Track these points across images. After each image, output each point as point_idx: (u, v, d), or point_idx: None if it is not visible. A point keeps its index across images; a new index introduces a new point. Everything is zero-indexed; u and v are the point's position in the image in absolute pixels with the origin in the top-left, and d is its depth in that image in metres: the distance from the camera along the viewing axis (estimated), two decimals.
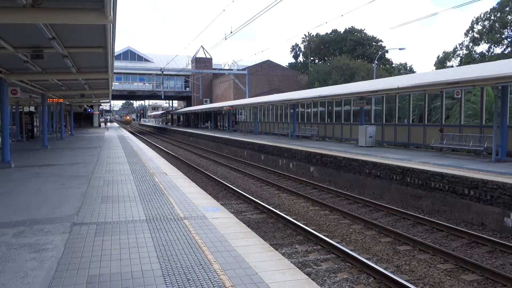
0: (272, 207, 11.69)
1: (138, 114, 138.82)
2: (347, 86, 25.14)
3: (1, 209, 7.53)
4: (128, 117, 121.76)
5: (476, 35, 46.11)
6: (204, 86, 65.56)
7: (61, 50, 10.45)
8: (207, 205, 7.88)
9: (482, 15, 45.45)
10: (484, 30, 45.11)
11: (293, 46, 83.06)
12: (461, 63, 46.06)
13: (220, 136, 32.82)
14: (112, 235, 5.93)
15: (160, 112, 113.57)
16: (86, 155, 17.47)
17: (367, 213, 11.36)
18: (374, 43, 67.85)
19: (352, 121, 23.37)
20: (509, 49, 43.59)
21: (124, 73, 62.34)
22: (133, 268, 4.65)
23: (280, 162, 20.72)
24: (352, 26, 71.90)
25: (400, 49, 43.79)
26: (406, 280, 6.55)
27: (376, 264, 7.16)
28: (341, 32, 72.64)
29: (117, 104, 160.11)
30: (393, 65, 66.83)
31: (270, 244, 6.87)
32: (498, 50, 44.98)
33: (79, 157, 16.97)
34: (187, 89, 69.59)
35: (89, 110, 54.36)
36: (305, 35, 77.02)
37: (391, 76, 42.77)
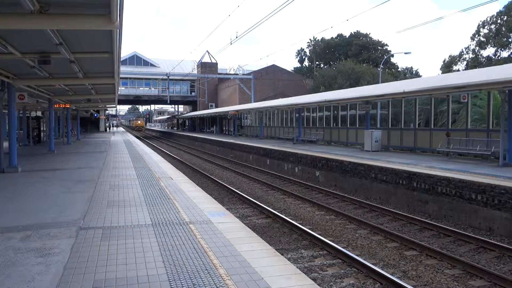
0: (277, 211, 11.66)
1: (144, 118, 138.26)
2: (352, 91, 25.09)
3: (8, 213, 7.58)
4: (139, 122, 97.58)
5: (482, 39, 45.94)
6: (210, 91, 65.75)
7: (68, 55, 10.54)
8: (213, 210, 7.87)
9: (488, 19, 45.37)
10: (491, 34, 44.94)
11: (298, 51, 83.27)
12: (467, 67, 45.87)
13: (225, 140, 32.87)
14: (118, 239, 5.94)
15: (165, 116, 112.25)
16: (93, 160, 17.56)
17: (373, 218, 11.29)
18: (379, 47, 67.81)
19: (357, 126, 23.27)
20: None
21: (130, 78, 62.58)
22: (139, 273, 4.65)
23: (285, 166, 20.68)
24: (357, 31, 71.97)
25: (405, 53, 43.27)
26: (413, 286, 6.50)
27: (382, 270, 7.11)
28: (346, 37, 72.70)
29: (123, 108, 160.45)
30: (399, 70, 66.72)
31: (276, 249, 6.84)
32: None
33: (86, 161, 17.06)
34: (193, 93, 69.80)
35: (95, 115, 54.75)
36: (310, 39, 77.29)
37: (396, 80, 42.66)
